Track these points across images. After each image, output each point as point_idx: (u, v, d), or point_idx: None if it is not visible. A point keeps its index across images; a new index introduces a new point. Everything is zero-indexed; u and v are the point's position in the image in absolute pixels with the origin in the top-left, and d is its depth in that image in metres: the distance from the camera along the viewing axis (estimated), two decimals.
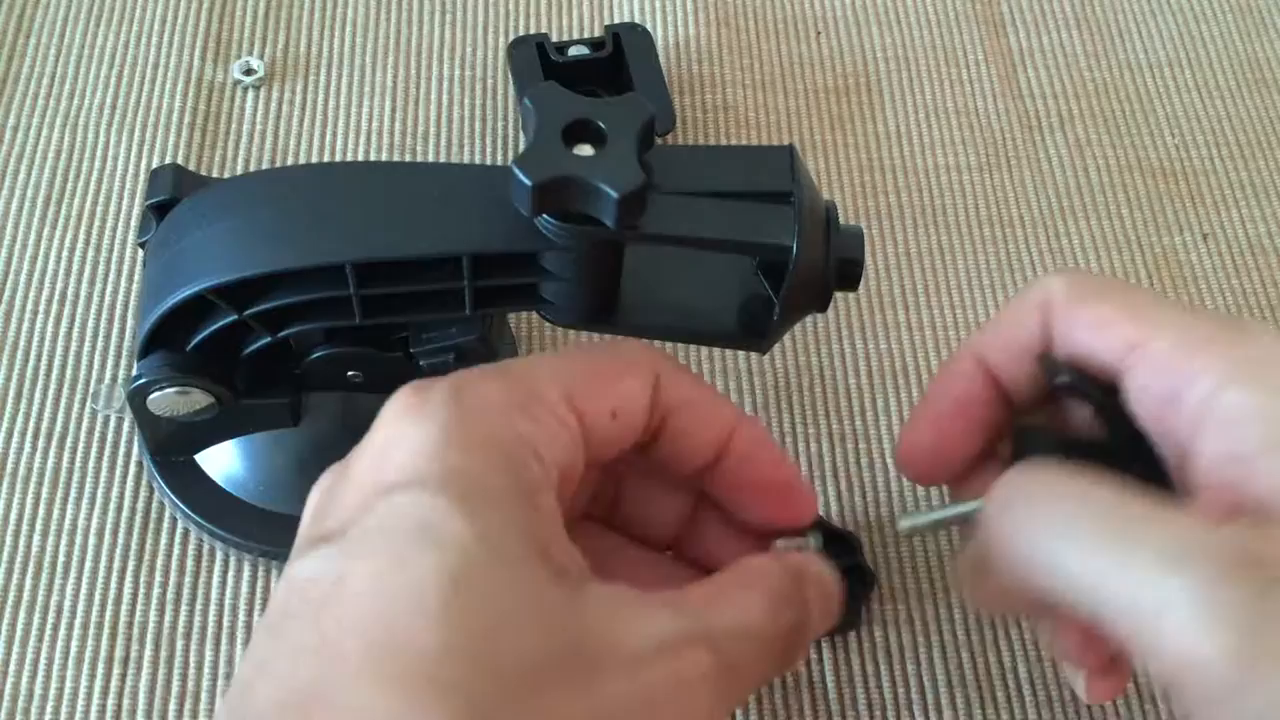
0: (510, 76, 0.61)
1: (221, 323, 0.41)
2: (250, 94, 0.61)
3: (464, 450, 0.31)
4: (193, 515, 0.48)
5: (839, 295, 0.54)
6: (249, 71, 0.61)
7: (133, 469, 0.50)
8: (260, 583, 0.48)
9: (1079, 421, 0.39)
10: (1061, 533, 0.33)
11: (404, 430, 0.31)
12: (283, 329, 0.42)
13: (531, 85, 0.49)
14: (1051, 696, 0.48)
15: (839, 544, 0.50)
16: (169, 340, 0.42)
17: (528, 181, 0.36)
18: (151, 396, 0.43)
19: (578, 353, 0.36)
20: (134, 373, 0.43)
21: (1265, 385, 0.34)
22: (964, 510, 0.39)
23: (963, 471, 0.41)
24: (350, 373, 0.44)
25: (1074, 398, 0.38)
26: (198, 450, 0.48)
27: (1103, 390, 0.37)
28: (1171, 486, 0.36)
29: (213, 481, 0.48)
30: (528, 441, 0.32)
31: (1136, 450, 0.37)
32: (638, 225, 0.37)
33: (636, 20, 0.64)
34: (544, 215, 0.37)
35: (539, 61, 0.60)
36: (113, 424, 0.51)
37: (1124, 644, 0.32)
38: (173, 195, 0.43)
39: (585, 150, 0.37)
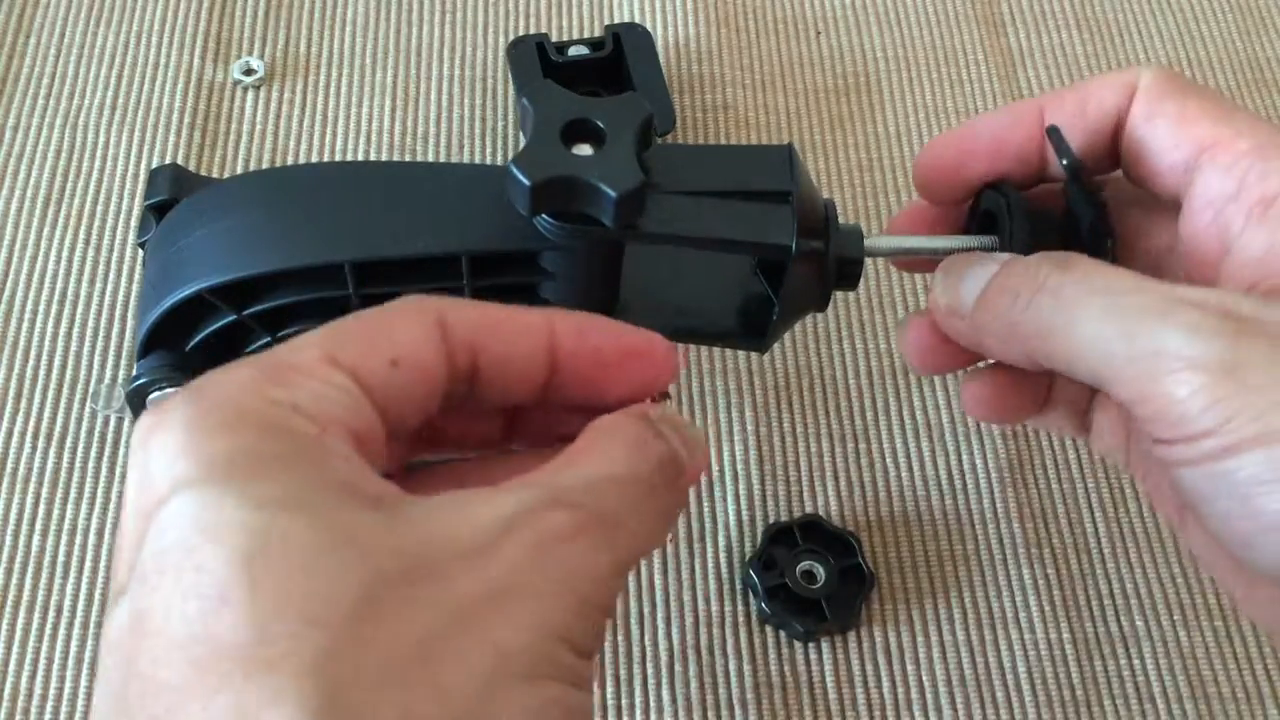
0: (510, 77, 0.61)
1: (220, 323, 0.41)
2: (250, 94, 0.61)
3: (214, 436, 0.28)
4: None
5: (839, 295, 0.55)
6: (249, 71, 0.61)
7: None
8: None
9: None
10: (1084, 313, 0.33)
11: (149, 450, 0.29)
12: (282, 329, 0.42)
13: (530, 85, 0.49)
14: (1050, 696, 0.48)
15: (838, 544, 0.50)
16: (168, 340, 0.42)
17: (526, 181, 0.36)
18: (151, 397, 0.43)
19: (346, 318, 0.33)
20: (133, 373, 0.43)
21: None
22: (935, 245, 0.40)
23: (960, 198, 0.42)
24: None
25: (1069, 176, 0.39)
26: None
27: (1090, 184, 0.39)
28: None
29: None
30: (285, 404, 0.29)
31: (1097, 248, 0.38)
32: (636, 225, 0.37)
33: (636, 20, 0.64)
34: (542, 215, 0.37)
35: (539, 61, 0.60)
36: (113, 424, 0.52)
37: (1122, 401, 0.33)
38: (172, 195, 0.43)
39: (584, 150, 0.37)
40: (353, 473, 0.29)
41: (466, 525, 0.28)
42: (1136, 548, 0.51)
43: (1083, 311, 0.33)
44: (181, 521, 0.27)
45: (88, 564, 0.49)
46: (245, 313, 0.40)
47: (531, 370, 0.34)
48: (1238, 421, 0.30)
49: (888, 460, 0.53)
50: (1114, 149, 0.39)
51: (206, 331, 0.41)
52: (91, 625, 0.47)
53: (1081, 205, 0.38)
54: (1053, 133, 0.39)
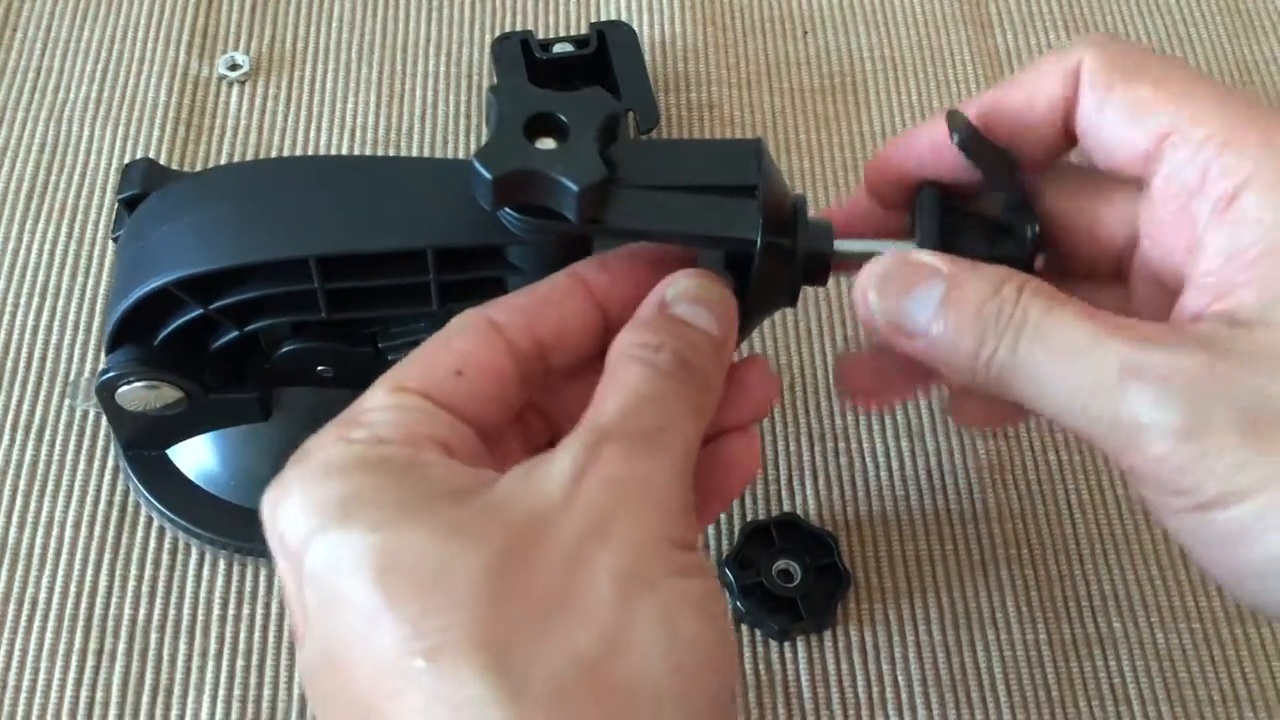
0: (494, 73, 0.61)
1: (188, 316, 0.41)
2: (235, 89, 0.61)
3: (322, 487, 0.32)
4: (165, 511, 0.48)
5: (818, 292, 0.55)
6: (234, 67, 0.61)
7: (110, 463, 0.50)
8: (235, 577, 0.48)
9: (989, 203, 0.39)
10: (1051, 381, 0.34)
11: (278, 521, 0.32)
12: (249, 323, 0.42)
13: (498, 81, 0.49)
14: (1026, 697, 0.48)
15: (815, 543, 0.50)
16: (137, 334, 0.42)
17: (488, 175, 0.35)
18: (120, 391, 0.43)
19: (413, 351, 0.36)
20: (102, 367, 0.43)
21: (1277, 194, 0.33)
22: (893, 248, 0.39)
23: (903, 202, 0.41)
24: (320, 367, 0.44)
25: (971, 161, 0.38)
26: (169, 445, 0.48)
27: (999, 162, 0.38)
28: (1031, 270, 0.37)
29: (185, 477, 0.48)
30: (368, 440, 0.33)
31: (1019, 236, 0.38)
32: (600, 219, 0.37)
33: (622, 18, 0.64)
34: (506, 209, 0.37)
35: (523, 58, 0.60)
36: (91, 417, 0.52)
37: (1081, 427, 0.34)
38: (144, 190, 0.43)
39: (547, 144, 0.36)
40: (448, 476, 0.32)
41: (543, 486, 0.31)
42: (1115, 549, 0.51)
43: (1049, 379, 0.34)
44: (321, 566, 0.31)
45: (64, 556, 0.49)
46: (212, 306, 0.40)
47: (588, 321, 0.37)
48: (1206, 484, 0.31)
49: (866, 460, 0.53)
50: (1069, 132, 0.38)
51: (174, 325, 0.41)
52: (66, 618, 0.47)
53: (1014, 217, 0.38)
54: (952, 115, 0.38)
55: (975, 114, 0.38)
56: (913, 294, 0.36)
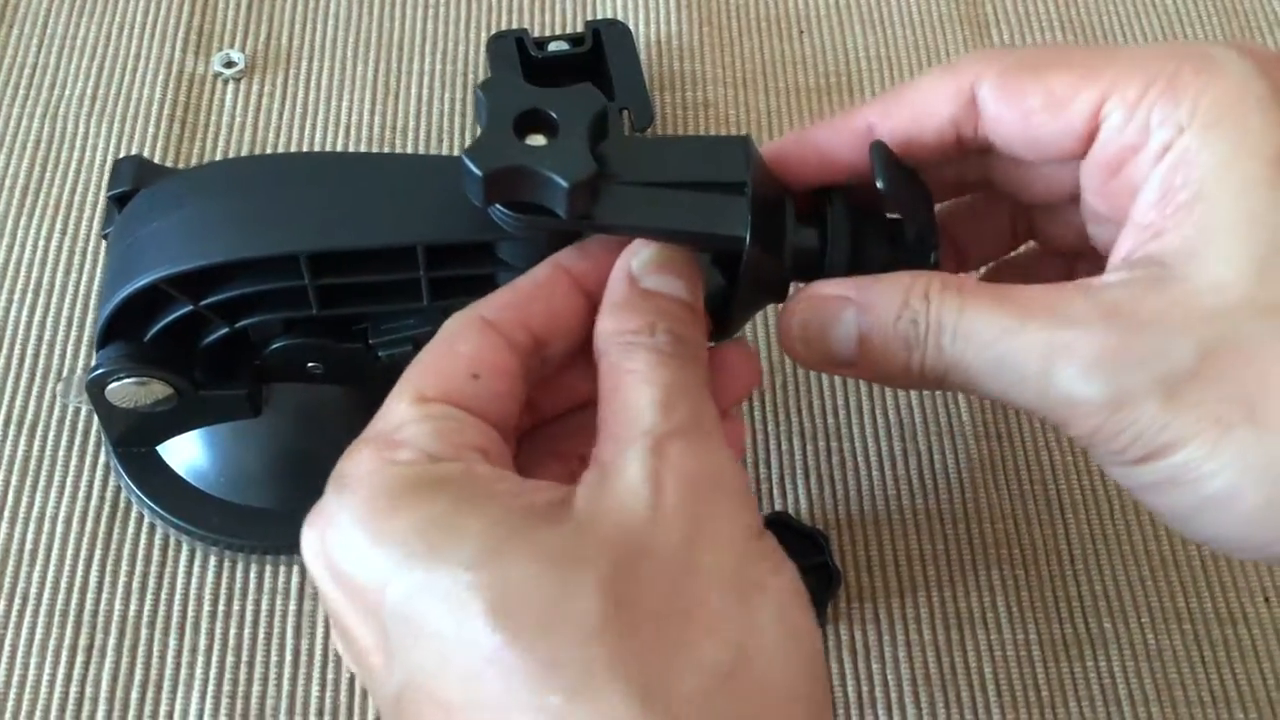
0: (490, 72, 0.61)
1: (178, 313, 0.41)
2: (230, 86, 0.61)
3: (388, 520, 0.31)
4: (155, 507, 0.48)
5: None
6: (230, 64, 0.61)
7: (101, 458, 0.51)
8: (225, 574, 0.48)
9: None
10: (979, 371, 0.35)
11: (334, 559, 0.32)
12: (239, 319, 0.42)
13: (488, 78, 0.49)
14: (1015, 697, 0.48)
15: (806, 542, 0.50)
16: (127, 331, 0.42)
17: (478, 171, 0.35)
18: (110, 387, 0.43)
19: (414, 361, 0.36)
20: (92, 363, 0.43)
21: (1217, 132, 0.34)
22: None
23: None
24: (310, 364, 0.44)
25: (890, 200, 0.38)
26: (159, 442, 0.48)
27: (915, 200, 0.38)
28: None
29: (174, 473, 0.48)
30: (418, 461, 0.32)
31: (920, 247, 0.38)
32: (590, 215, 0.37)
33: (619, 17, 0.64)
34: (497, 205, 0.37)
35: (518, 57, 0.60)
36: (83, 414, 0.52)
37: (1021, 406, 0.36)
38: (135, 187, 0.43)
39: (537, 140, 0.36)
40: (513, 491, 0.32)
41: (627, 500, 0.31)
42: (1106, 550, 0.51)
43: (980, 372, 0.35)
44: (411, 605, 0.30)
45: (54, 552, 0.49)
46: (202, 303, 0.40)
47: (576, 308, 0.37)
48: (1136, 445, 0.34)
49: (858, 459, 0.53)
50: (962, 143, 0.38)
51: (164, 322, 0.41)
52: (56, 614, 0.47)
53: (908, 216, 0.38)
54: (876, 151, 0.38)
55: (853, 134, 0.39)
56: (831, 330, 0.37)
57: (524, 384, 0.36)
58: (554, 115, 0.37)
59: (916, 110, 0.38)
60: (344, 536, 0.31)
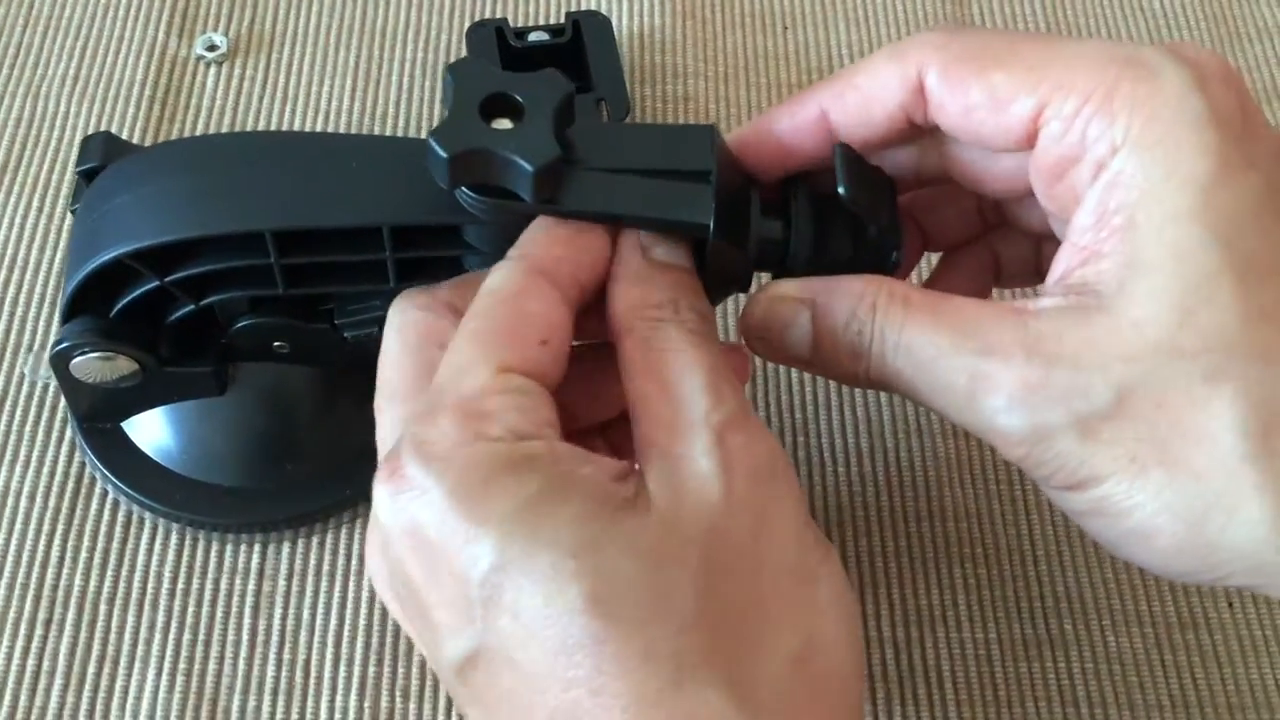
0: None
1: (143, 289, 0.41)
2: (213, 69, 0.61)
3: (485, 501, 0.32)
4: (119, 483, 0.48)
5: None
6: (212, 47, 0.62)
7: (68, 435, 0.51)
8: (186, 552, 0.48)
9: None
10: (918, 382, 0.36)
11: (425, 529, 0.32)
12: (205, 296, 0.42)
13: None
14: (974, 696, 0.48)
15: None
16: (93, 305, 0.42)
17: (443, 153, 0.36)
18: (74, 361, 0.43)
19: (477, 318, 0.36)
20: (56, 337, 0.43)
21: (1151, 154, 0.33)
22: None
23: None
24: (276, 343, 0.44)
25: (850, 202, 0.38)
26: (124, 417, 0.48)
27: (876, 202, 0.39)
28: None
29: (140, 450, 0.48)
30: (507, 437, 0.32)
31: (881, 246, 0.39)
32: (555, 200, 0.37)
33: (599, 8, 0.64)
34: (463, 188, 0.37)
35: (497, 46, 0.60)
36: (51, 390, 0.52)
37: (959, 425, 0.37)
38: (103, 163, 0.43)
39: (503, 124, 0.37)
40: (596, 477, 0.32)
41: (703, 494, 0.32)
42: (1070, 551, 0.51)
43: (917, 387, 0.36)
44: (510, 585, 0.31)
45: (16, 526, 0.49)
46: (167, 279, 0.40)
47: (606, 257, 0.38)
48: (1060, 475, 0.35)
49: (824, 454, 0.53)
50: (914, 126, 0.38)
51: (130, 297, 0.41)
52: (17, 587, 0.47)
53: (870, 219, 0.39)
54: (839, 154, 0.38)
55: (808, 119, 0.39)
56: (787, 330, 0.38)
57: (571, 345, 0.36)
58: (520, 99, 0.37)
59: (866, 95, 0.38)
60: (436, 510, 0.32)
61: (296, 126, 0.60)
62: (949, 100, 0.36)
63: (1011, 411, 0.34)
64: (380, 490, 0.33)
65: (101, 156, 0.43)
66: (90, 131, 0.59)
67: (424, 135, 0.59)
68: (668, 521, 0.32)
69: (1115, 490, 0.34)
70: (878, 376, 0.36)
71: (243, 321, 0.43)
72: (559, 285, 0.36)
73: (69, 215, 0.56)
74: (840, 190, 0.38)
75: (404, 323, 0.38)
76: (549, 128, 0.36)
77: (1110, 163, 0.34)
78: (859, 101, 0.38)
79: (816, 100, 0.39)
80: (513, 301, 0.35)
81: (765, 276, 0.55)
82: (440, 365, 0.35)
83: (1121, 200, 0.34)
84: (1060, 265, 0.35)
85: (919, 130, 0.39)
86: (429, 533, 0.32)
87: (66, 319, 0.43)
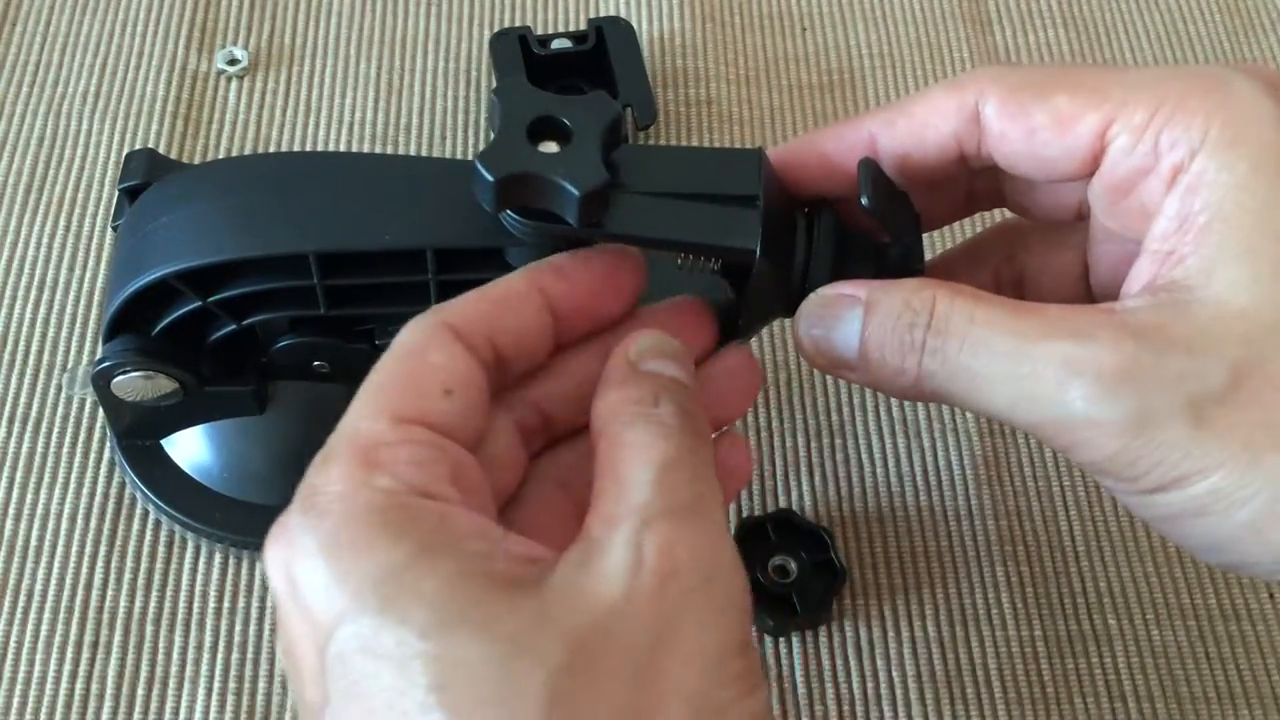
0: (492, 69, 0.61)
1: (186, 309, 0.41)
2: (234, 84, 0.61)
3: (354, 558, 0.29)
4: (159, 503, 0.48)
5: None
6: (233, 61, 0.61)
7: (106, 454, 0.51)
8: (230, 570, 0.48)
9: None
10: (986, 383, 0.34)
11: (296, 582, 0.30)
12: (247, 317, 0.42)
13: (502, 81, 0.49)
14: (1020, 694, 0.48)
15: (811, 539, 0.50)
16: (135, 324, 0.42)
17: (490, 177, 0.35)
18: (116, 380, 0.43)
19: (374, 374, 0.34)
20: (99, 355, 0.43)
21: (1233, 153, 0.33)
22: None
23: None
24: (316, 362, 0.44)
25: (876, 221, 0.38)
26: (164, 435, 0.48)
27: (903, 221, 0.38)
28: None
29: (179, 469, 0.48)
30: (398, 491, 0.30)
31: (903, 268, 0.38)
32: (601, 224, 0.37)
33: (621, 14, 0.64)
34: (508, 211, 0.37)
35: (521, 54, 0.60)
36: (87, 409, 0.52)
37: (1029, 425, 0.35)
38: (146, 180, 0.43)
39: (550, 147, 0.36)
40: (482, 553, 0.30)
41: (600, 583, 0.29)
42: (1110, 546, 0.51)
43: (986, 385, 0.34)
44: (357, 657, 0.28)
45: (59, 549, 0.49)
46: (210, 299, 0.41)
47: (543, 328, 0.36)
48: (1158, 471, 0.33)
49: (862, 455, 0.53)
50: (965, 159, 0.38)
51: (172, 317, 0.42)
52: (61, 610, 0.47)
53: (893, 236, 0.38)
54: (864, 167, 0.38)
55: (856, 142, 0.38)
56: (836, 327, 0.37)
57: (488, 403, 0.34)
58: (567, 123, 0.36)
59: (919, 123, 0.38)
60: (307, 562, 0.30)
61: (320, 138, 0.60)
62: (1010, 127, 0.36)
63: (1113, 396, 0.32)
64: (268, 542, 0.31)
65: (144, 174, 0.43)
66: (113, 149, 0.59)
67: (448, 144, 0.60)
68: (543, 609, 0.29)
69: (1225, 483, 0.32)
70: (929, 377, 0.35)
71: (283, 341, 0.43)
72: (466, 339, 0.34)
73: (96, 235, 0.56)
74: (862, 201, 0.37)
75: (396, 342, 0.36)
76: (596, 151, 0.36)
77: (1190, 165, 0.33)
78: (910, 128, 0.38)
79: (866, 125, 0.38)
80: (416, 354, 0.34)
81: None
82: (343, 418, 0.33)
83: (1206, 200, 0.33)
84: (1142, 275, 0.35)
85: (968, 165, 0.38)
86: (303, 587, 0.30)
87: (109, 338, 0.43)
